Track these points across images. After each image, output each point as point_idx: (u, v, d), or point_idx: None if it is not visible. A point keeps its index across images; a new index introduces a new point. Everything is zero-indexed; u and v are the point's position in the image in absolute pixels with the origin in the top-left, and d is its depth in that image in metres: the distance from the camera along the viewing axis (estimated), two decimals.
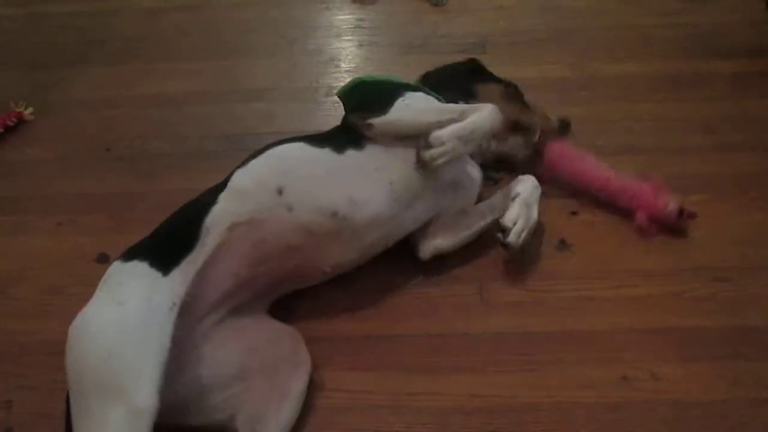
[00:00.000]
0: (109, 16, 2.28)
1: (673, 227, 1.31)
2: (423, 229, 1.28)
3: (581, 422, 1.04)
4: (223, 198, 1.13)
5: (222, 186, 1.16)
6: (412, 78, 1.44)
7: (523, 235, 1.22)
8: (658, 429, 1.02)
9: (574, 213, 1.38)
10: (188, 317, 1.04)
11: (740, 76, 1.75)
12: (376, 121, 1.19)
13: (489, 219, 1.29)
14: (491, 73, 1.54)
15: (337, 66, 1.94)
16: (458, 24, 2.06)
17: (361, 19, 2.15)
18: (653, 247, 1.30)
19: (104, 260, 1.35)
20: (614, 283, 1.24)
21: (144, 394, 0.89)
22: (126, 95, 1.87)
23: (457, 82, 1.45)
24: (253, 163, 1.18)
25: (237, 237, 1.10)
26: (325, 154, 1.18)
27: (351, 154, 1.19)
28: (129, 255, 1.08)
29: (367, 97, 1.28)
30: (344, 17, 2.17)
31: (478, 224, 1.29)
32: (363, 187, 1.16)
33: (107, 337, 0.94)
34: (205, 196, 1.16)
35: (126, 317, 0.96)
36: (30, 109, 1.80)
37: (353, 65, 1.94)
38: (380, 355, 1.16)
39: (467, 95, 1.40)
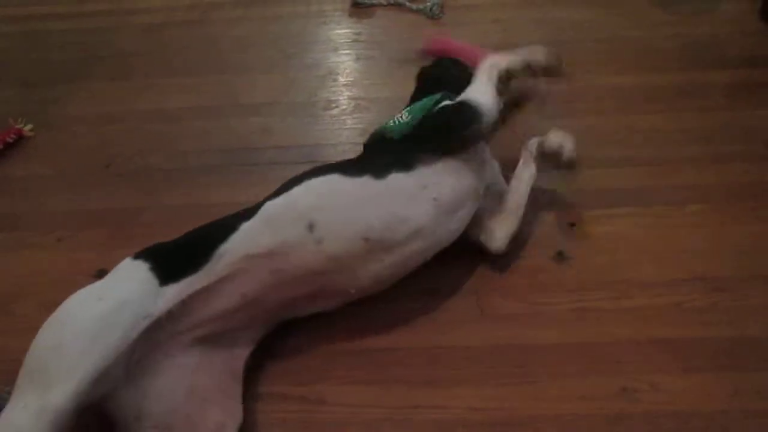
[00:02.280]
0: (108, 32, 2.28)
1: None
2: (481, 227, 1.28)
3: None
4: (247, 227, 1.10)
5: (249, 214, 1.13)
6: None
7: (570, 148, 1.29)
8: None
9: (572, 224, 1.39)
10: (169, 329, 1.05)
11: (735, 87, 1.75)
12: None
13: (529, 182, 1.33)
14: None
15: (335, 80, 1.95)
16: (455, 37, 2.06)
17: (358, 33, 2.16)
18: (651, 258, 1.30)
19: (103, 276, 1.34)
20: (613, 294, 1.24)
21: (60, 395, 0.89)
22: (125, 111, 1.88)
23: (455, 74, 1.44)
24: (286, 197, 1.14)
25: (252, 266, 1.08)
26: (363, 182, 1.14)
27: (395, 177, 1.15)
28: (140, 253, 1.10)
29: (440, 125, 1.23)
30: (341, 31, 2.19)
31: (524, 193, 1.32)
32: (401, 206, 1.14)
33: (69, 327, 0.97)
34: (231, 219, 1.14)
35: (94, 315, 0.98)
36: (29, 126, 1.81)
37: (351, 79, 1.95)
38: (381, 369, 1.16)
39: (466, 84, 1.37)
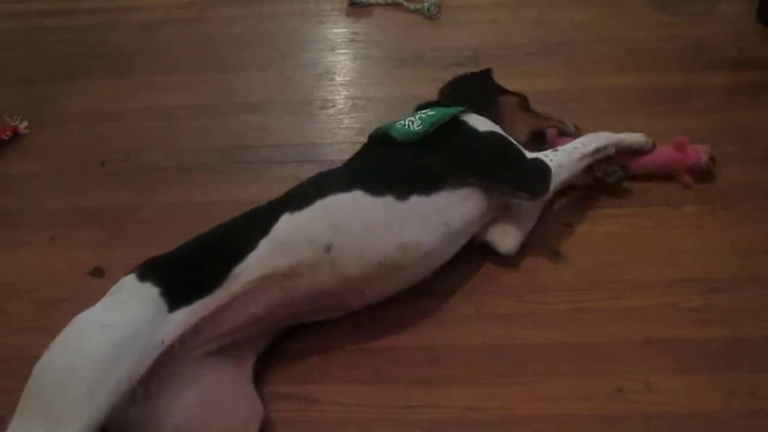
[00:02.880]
0: (104, 30, 2.28)
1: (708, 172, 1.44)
2: (495, 228, 1.30)
3: None
4: (264, 247, 1.07)
5: (264, 225, 1.10)
6: (409, 89, 1.44)
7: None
8: None
9: (568, 225, 1.39)
10: (178, 350, 1.01)
11: (732, 88, 1.76)
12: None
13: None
14: (501, 85, 1.52)
15: (332, 79, 1.94)
16: (451, 37, 2.07)
17: (355, 33, 2.16)
18: (648, 259, 1.30)
19: (98, 274, 1.34)
20: (609, 294, 1.24)
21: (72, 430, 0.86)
22: (121, 109, 1.88)
23: (480, 95, 1.43)
24: (307, 214, 1.11)
25: (267, 285, 1.06)
26: (384, 202, 1.13)
27: (415, 200, 1.15)
28: (146, 272, 1.05)
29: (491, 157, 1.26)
30: (338, 30, 2.18)
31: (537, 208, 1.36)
32: (416, 230, 1.14)
33: (78, 356, 0.92)
34: (244, 230, 1.11)
35: (102, 346, 0.93)
36: (25, 123, 1.80)
37: (348, 78, 1.94)
38: (377, 368, 1.16)
39: (489, 108, 1.39)
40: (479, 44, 2.01)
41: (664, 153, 1.44)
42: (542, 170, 1.24)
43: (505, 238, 1.30)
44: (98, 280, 1.33)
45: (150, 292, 1.01)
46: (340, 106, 1.83)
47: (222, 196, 1.52)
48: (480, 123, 1.30)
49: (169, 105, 1.87)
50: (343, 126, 1.75)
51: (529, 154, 1.27)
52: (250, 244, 1.07)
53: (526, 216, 1.33)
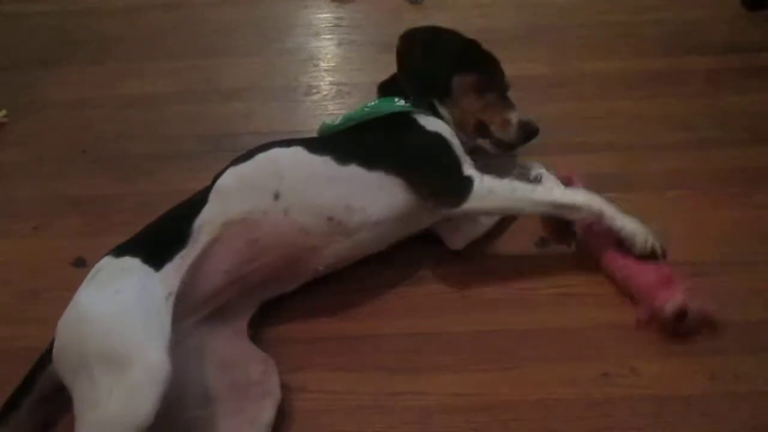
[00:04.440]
0: (85, 16, 2.24)
1: (672, 329, 1.13)
2: (447, 223, 1.28)
3: (563, 419, 1.05)
4: (213, 198, 1.13)
5: (213, 185, 1.16)
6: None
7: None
8: (639, 425, 1.03)
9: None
10: (176, 312, 1.03)
11: (716, 73, 1.76)
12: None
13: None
14: (484, 56, 1.38)
15: (316, 65, 1.93)
16: (436, 22, 2.03)
17: (339, 18, 2.14)
18: None
19: (81, 264, 1.33)
20: (594, 279, 1.24)
21: (156, 352, 0.89)
22: (103, 96, 1.85)
23: (436, 79, 1.33)
24: (245, 165, 1.18)
25: (230, 234, 1.10)
26: (324, 161, 1.17)
27: (355, 169, 1.17)
28: (119, 251, 1.08)
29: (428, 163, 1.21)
30: (323, 16, 2.16)
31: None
32: (360, 196, 1.15)
33: (107, 319, 0.94)
34: (196, 196, 1.17)
35: (123, 302, 0.97)
36: (4, 111, 1.77)
37: (332, 64, 1.93)
38: (362, 356, 1.16)
39: (442, 94, 1.33)
40: (463, 29, 1.96)
41: (649, 276, 1.16)
42: (464, 185, 1.16)
43: (454, 235, 1.29)
44: (81, 269, 1.32)
45: (131, 263, 1.05)
46: (325, 92, 1.81)
47: (206, 183, 1.50)
48: (429, 123, 1.25)
49: (151, 92, 1.85)
50: (328, 112, 1.73)
51: (469, 170, 1.18)
52: (203, 201, 1.13)
53: (482, 218, 1.31)
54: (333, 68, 1.91)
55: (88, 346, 0.92)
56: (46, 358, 1.00)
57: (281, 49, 2.01)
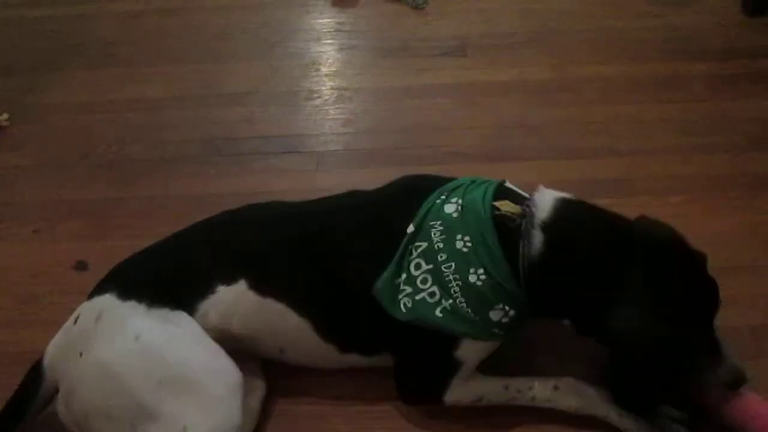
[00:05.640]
0: (86, 21, 2.25)
1: None
2: None
3: None
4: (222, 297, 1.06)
5: (232, 274, 1.07)
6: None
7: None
8: None
9: None
10: None
11: (717, 78, 1.76)
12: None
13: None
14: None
15: (318, 70, 1.93)
16: (438, 27, 2.06)
17: (341, 23, 2.15)
18: None
19: (82, 268, 1.33)
20: None
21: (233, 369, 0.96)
22: (104, 100, 1.85)
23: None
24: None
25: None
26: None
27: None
28: (125, 293, 1.02)
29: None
30: (324, 21, 2.17)
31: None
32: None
33: (151, 360, 0.95)
34: (214, 232, 1.12)
35: (157, 341, 0.97)
36: (5, 116, 1.77)
37: (333, 69, 1.93)
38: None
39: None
40: (466, 34, 2.00)
41: None
42: (431, 377, 1.05)
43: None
44: (82, 273, 1.32)
45: (138, 308, 1.00)
46: (326, 97, 1.82)
47: (207, 188, 1.51)
48: None
49: (152, 96, 1.85)
50: (329, 117, 1.74)
51: None
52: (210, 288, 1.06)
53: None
54: (334, 73, 1.91)
55: (143, 389, 0.93)
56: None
57: (283, 53, 2.01)
